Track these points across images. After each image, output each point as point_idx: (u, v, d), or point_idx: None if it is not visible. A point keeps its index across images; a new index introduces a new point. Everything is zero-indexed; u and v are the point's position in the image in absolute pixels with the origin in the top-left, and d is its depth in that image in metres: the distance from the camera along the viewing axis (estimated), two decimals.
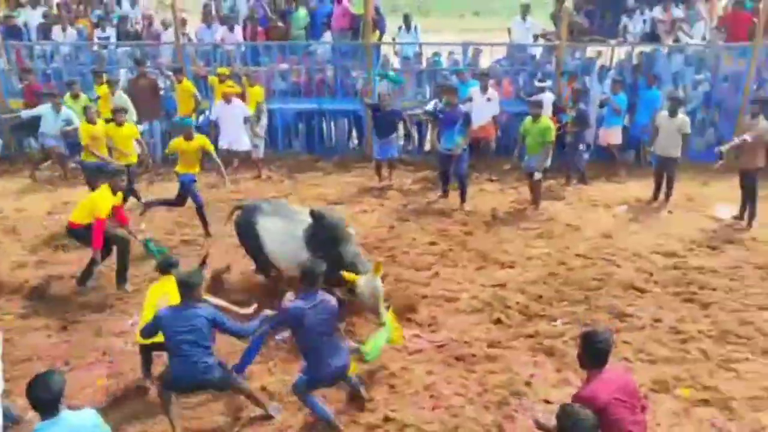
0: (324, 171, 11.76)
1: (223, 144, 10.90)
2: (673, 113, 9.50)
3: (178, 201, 9.07)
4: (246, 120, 11.11)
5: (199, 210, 8.94)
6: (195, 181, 8.97)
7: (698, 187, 10.61)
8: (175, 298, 5.29)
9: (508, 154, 10.71)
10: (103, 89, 11.27)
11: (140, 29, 13.92)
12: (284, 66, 12.40)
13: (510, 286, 7.56)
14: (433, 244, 8.67)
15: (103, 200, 7.26)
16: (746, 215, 9.16)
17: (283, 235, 6.93)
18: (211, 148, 9.08)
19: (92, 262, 7.43)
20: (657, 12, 12.27)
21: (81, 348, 6.52)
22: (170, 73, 12.03)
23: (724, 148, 9.06)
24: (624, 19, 12.42)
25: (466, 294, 7.42)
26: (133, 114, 10.89)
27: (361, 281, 6.08)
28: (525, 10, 12.99)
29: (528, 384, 5.86)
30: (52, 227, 9.28)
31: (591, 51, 12.42)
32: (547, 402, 5.62)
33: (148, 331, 5.24)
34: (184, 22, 13.16)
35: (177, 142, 8.97)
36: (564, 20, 11.49)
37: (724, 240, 8.73)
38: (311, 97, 12.40)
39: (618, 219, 9.55)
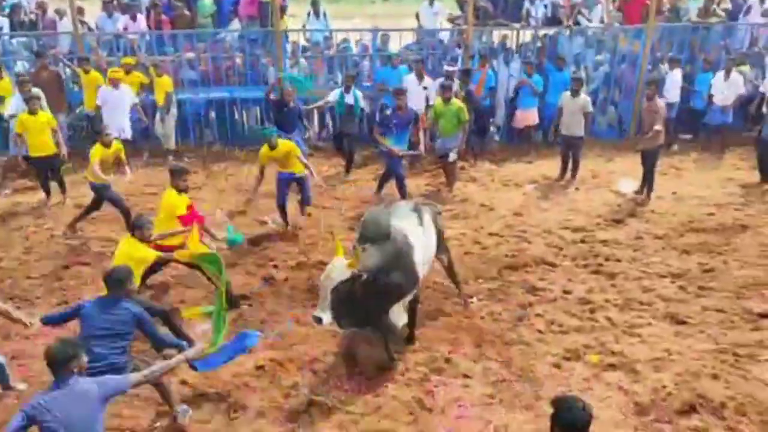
0: (239, 160, 11.59)
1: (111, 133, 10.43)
2: (575, 93, 9.89)
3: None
4: (132, 107, 10.82)
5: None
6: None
7: (603, 163, 11.16)
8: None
9: None
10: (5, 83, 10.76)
11: (35, 18, 13.23)
12: (191, 55, 12.10)
13: None
14: (352, 230, 8.73)
15: (175, 200, 6.99)
16: (645, 189, 9.67)
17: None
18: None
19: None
20: None
21: None
22: (71, 64, 11.56)
23: (639, 147, 9.55)
24: (526, 4, 12.76)
25: None
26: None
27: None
28: None
29: (448, 360, 6.03)
30: None
31: (496, 34, 12.76)
32: (467, 377, 5.80)
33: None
34: (81, 11, 12.59)
35: None
36: (470, 4, 11.73)
37: (627, 213, 9.20)
38: (221, 85, 12.16)
39: (528, 197, 9.90)
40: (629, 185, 9.95)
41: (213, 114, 12.45)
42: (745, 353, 6.06)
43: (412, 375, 5.85)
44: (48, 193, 9.62)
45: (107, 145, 8.39)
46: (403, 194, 9.32)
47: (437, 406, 5.49)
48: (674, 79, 11.53)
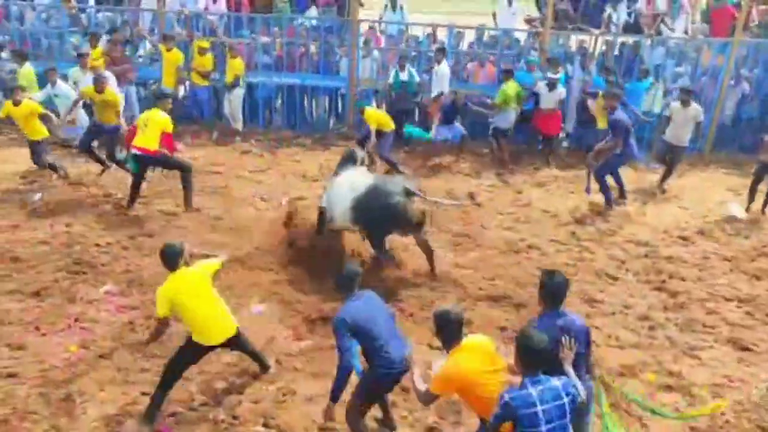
0: (304, 147, 11.71)
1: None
2: (685, 104, 9.80)
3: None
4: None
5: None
6: None
7: (674, 178, 10.76)
8: (199, 290, 5.07)
9: None
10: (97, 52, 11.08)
11: None
12: (267, 39, 12.26)
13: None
14: None
15: (164, 119, 8.30)
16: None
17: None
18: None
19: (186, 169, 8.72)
20: (641, 4, 12.33)
21: (53, 314, 6.46)
22: (153, 40, 11.90)
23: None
24: (608, 9, 12.46)
25: None
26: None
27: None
28: None
29: None
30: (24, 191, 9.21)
31: (574, 39, 12.52)
32: None
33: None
34: None
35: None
36: (549, 6, 11.52)
37: (695, 231, 8.89)
38: (294, 71, 12.29)
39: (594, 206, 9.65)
40: (739, 210, 9.47)
41: (281, 100, 12.58)
42: None
43: None
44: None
45: (16, 104, 9.10)
46: None
47: None
48: None
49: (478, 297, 7.05)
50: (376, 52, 12.21)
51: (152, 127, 8.26)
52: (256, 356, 5.67)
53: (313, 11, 12.95)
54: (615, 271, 7.77)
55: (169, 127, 8.37)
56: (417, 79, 11.33)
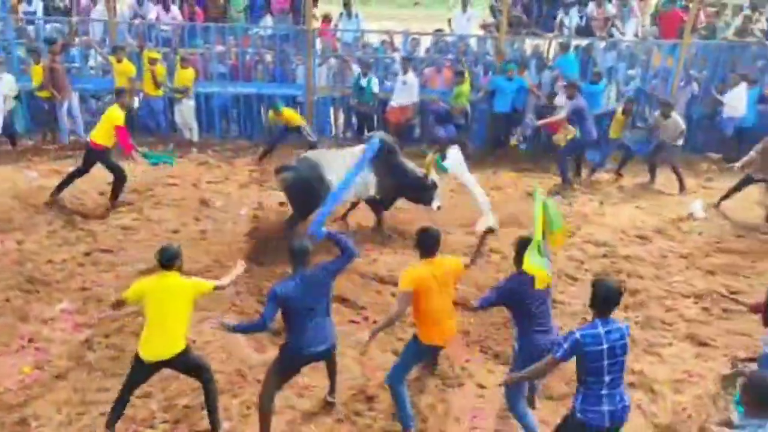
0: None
1: None
2: (666, 117, 10.28)
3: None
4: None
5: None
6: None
7: (630, 179, 11.03)
8: (169, 300, 4.85)
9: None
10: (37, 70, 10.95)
11: (68, 4, 13.32)
12: (221, 48, 12.14)
13: None
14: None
15: (117, 113, 8.61)
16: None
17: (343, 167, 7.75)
18: None
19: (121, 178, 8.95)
20: (591, 8, 12.56)
21: (5, 335, 6.25)
22: (103, 52, 11.67)
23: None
24: (560, 14, 12.66)
25: None
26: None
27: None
28: (465, 2, 13.09)
29: (463, 369, 6.00)
30: None
31: (529, 43, 12.68)
32: (482, 387, 5.77)
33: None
34: None
35: None
36: (504, 12, 11.65)
37: (653, 230, 9.07)
38: (249, 81, 12.18)
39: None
40: (700, 210, 9.65)
41: (238, 109, 12.44)
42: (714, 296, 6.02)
43: (427, 382, 5.79)
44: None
45: None
46: None
47: (451, 414, 5.43)
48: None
49: None
50: (332, 60, 12.18)
51: (104, 122, 8.71)
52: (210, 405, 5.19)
53: (268, 20, 12.86)
54: (575, 272, 7.86)
55: (118, 120, 8.59)
56: (375, 89, 11.33)
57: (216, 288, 5.11)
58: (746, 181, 9.47)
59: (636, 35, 12.58)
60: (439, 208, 8.42)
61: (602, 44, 12.20)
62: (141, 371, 4.97)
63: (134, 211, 8.90)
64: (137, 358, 4.93)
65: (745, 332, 6.63)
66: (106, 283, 7.14)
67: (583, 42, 12.25)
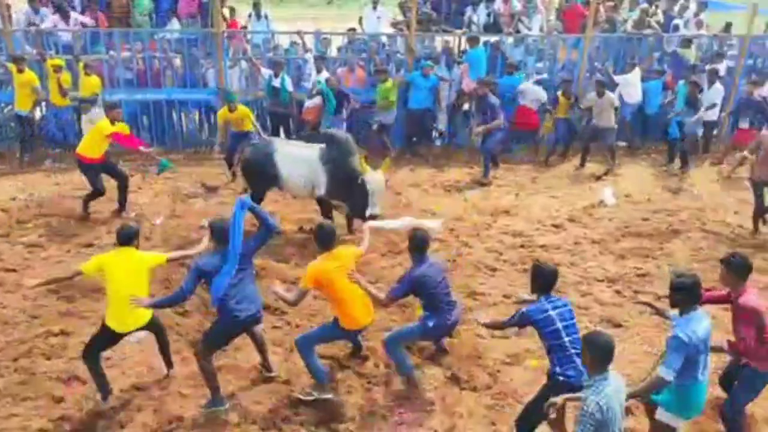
0: (177, 163, 11.26)
1: None
2: (600, 95, 10.83)
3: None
4: None
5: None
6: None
7: (542, 169, 11.33)
8: (121, 276, 5.19)
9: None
10: None
11: None
12: (127, 54, 11.73)
13: None
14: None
15: (105, 124, 8.50)
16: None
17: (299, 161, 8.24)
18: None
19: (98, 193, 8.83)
20: (498, 4, 12.86)
21: None
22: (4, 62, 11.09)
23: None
24: (468, 11, 12.90)
25: None
26: None
27: (375, 174, 7.96)
28: (376, 0, 13.16)
29: (388, 366, 6.00)
30: None
31: (439, 40, 12.86)
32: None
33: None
34: (8, 6, 12.04)
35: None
36: (413, 10, 11.76)
37: (566, 218, 9.36)
38: (159, 86, 11.83)
39: (468, 202, 9.94)
40: (610, 196, 10.02)
41: (148, 116, 12.07)
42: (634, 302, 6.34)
43: (352, 382, 5.79)
44: None
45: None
46: None
47: (378, 411, 5.45)
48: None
49: None
50: (243, 62, 11.99)
51: (91, 134, 8.72)
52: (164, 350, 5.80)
53: (174, 24, 12.54)
54: (493, 263, 8.02)
55: (107, 130, 8.49)
56: (290, 88, 11.22)
57: (168, 260, 5.61)
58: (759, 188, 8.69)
59: (541, 30, 12.95)
60: (373, 217, 7.84)
61: (510, 40, 12.49)
62: (111, 339, 5.38)
63: (41, 227, 8.52)
64: (107, 328, 5.29)
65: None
66: (13, 304, 6.80)
67: (492, 38, 12.53)
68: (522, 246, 8.49)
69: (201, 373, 5.36)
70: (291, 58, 12.16)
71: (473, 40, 11.81)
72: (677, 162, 11.27)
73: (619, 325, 6.74)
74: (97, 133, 8.60)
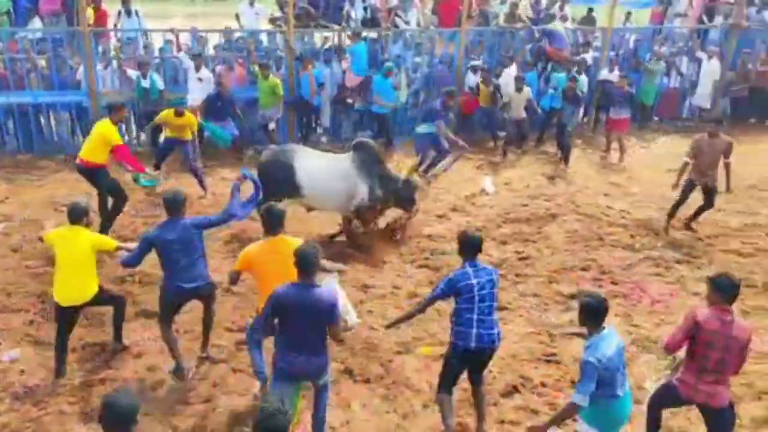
0: (48, 170, 10.67)
1: None
2: (519, 90, 11.47)
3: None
4: None
5: None
6: None
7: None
8: (66, 252, 5.49)
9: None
10: None
11: None
12: None
13: None
14: None
15: (110, 131, 7.76)
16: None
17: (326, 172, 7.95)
18: None
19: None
20: None
21: None
22: None
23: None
24: (346, 6, 12.95)
25: None
26: None
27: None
28: None
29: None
30: None
31: (318, 36, 12.85)
32: None
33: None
34: None
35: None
36: (290, 5, 11.68)
37: (449, 208, 9.62)
38: (23, 89, 11.11)
39: None
40: (491, 185, 10.36)
41: (14, 121, 11.34)
42: (559, 333, 6.56)
43: (241, 384, 5.73)
44: None
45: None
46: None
47: None
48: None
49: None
50: (114, 62, 11.47)
51: (92, 138, 7.95)
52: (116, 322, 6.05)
53: (36, 22, 11.81)
54: (389, 257, 8.11)
55: (116, 139, 7.85)
56: (161, 86, 10.88)
57: (119, 248, 5.78)
58: (689, 188, 8.73)
59: (418, 24, 13.20)
60: (416, 212, 8.40)
61: (390, 34, 12.64)
62: (64, 316, 5.63)
63: None
64: (56, 305, 5.60)
65: (536, 293, 7.30)
66: None
67: (372, 33, 12.65)
68: (410, 237, 8.64)
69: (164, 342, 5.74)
70: (165, 57, 11.77)
71: (354, 36, 11.90)
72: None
73: (504, 308, 6.96)
74: (100, 139, 7.80)
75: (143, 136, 11.89)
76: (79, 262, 5.48)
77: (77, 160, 8.01)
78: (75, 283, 5.51)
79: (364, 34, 12.48)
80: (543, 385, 5.80)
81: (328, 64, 11.96)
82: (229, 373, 5.90)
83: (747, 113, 13.72)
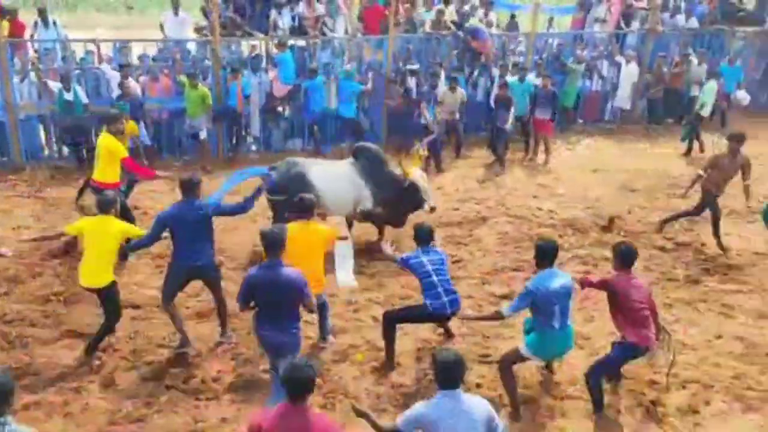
0: None
1: None
2: (453, 90, 11.80)
3: None
4: None
5: None
6: None
7: None
8: (94, 240, 5.89)
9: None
10: None
11: None
12: None
13: None
14: None
15: (114, 143, 7.60)
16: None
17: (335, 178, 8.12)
18: None
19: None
20: (302, 7, 12.95)
21: None
22: None
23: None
24: (273, 14, 12.86)
25: None
26: None
27: (416, 172, 8.21)
28: (176, 4, 12.65)
29: (216, 380, 5.85)
30: None
31: (245, 45, 12.71)
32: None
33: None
34: None
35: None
36: (215, 13, 11.51)
37: None
38: None
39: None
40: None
41: None
42: (492, 334, 6.67)
43: (179, 402, 5.60)
44: None
45: None
46: None
47: (209, 427, 5.32)
48: None
49: (188, 316, 6.86)
50: (32, 74, 11.04)
51: (100, 155, 7.72)
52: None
53: None
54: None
55: (119, 150, 7.61)
56: (84, 100, 10.55)
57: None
58: (711, 199, 8.54)
59: (346, 32, 13.21)
60: (433, 209, 8.21)
61: (318, 43, 12.62)
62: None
63: None
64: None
65: (470, 295, 7.42)
66: None
67: (300, 41, 12.59)
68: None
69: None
70: (87, 68, 11.42)
71: (281, 45, 11.83)
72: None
73: None
74: (108, 156, 7.61)
75: (65, 150, 11.43)
76: (105, 249, 5.90)
77: (91, 182, 7.85)
78: (95, 267, 5.93)
79: (291, 42, 12.43)
80: (478, 386, 5.88)
81: (256, 73, 11.84)
82: (162, 391, 5.77)
83: (663, 114, 14.29)
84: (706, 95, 12.39)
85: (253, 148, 12.31)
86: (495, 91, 12.36)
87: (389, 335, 6.10)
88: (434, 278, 5.81)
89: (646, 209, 9.89)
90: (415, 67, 12.51)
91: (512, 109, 11.52)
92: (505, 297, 7.27)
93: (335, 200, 8.06)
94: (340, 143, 12.28)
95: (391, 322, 6.08)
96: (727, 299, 7.47)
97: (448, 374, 3.97)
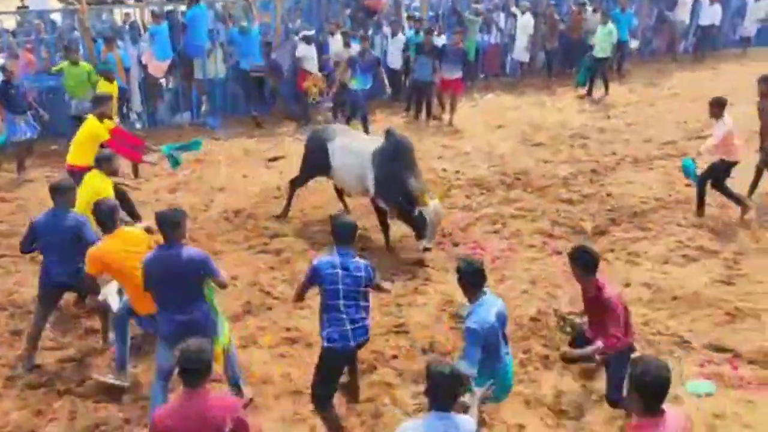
0: None
1: None
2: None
3: None
4: None
5: None
6: None
7: (254, 143, 11.03)
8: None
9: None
10: None
11: None
12: None
13: None
14: None
15: (98, 127, 7.12)
16: None
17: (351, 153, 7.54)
18: None
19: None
20: None
21: None
22: None
23: None
24: None
25: None
26: None
27: (434, 203, 6.94)
28: None
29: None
30: None
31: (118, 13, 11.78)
32: None
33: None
34: None
35: None
36: None
37: (285, 190, 9.11)
38: None
39: (178, 179, 9.31)
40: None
41: None
42: (406, 302, 6.46)
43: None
44: None
45: None
46: None
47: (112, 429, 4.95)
48: None
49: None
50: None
51: (78, 138, 7.18)
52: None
53: None
54: (222, 246, 7.57)
55: (104, 135, 7.12)
56: None
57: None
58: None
59: None
60: (425, 249, 7.04)
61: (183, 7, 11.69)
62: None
63: None
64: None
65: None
66: None
67: (181, 6, 11.70)
68: (249, 217, 8.24)
69: None
70: None
71: (156, 17, 10.86)
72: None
73: None
74: (88, 139, 7.11)
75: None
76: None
77: (67, 167, 7.21)
78: None
79: (169, 8, 11.51)
80: (395, 357, 5.69)
81: (135, 44, 10.90)
82: (55, 397, 5.30)
83: (562, 65, 14.36)
84: (599, 37, 12.57)
85: (138, 126, 11.39)
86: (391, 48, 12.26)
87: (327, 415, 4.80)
88: (340, 302, 4.56)
89: (550, 163, 9.84)
90: (311, 33, 11.79)
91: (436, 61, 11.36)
92: (416, 263, 7.12)
93: (342, 176, 7.82)
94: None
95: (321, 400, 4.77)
96: (633, 247, 7.50)
97: (443, 391, 3.43)
